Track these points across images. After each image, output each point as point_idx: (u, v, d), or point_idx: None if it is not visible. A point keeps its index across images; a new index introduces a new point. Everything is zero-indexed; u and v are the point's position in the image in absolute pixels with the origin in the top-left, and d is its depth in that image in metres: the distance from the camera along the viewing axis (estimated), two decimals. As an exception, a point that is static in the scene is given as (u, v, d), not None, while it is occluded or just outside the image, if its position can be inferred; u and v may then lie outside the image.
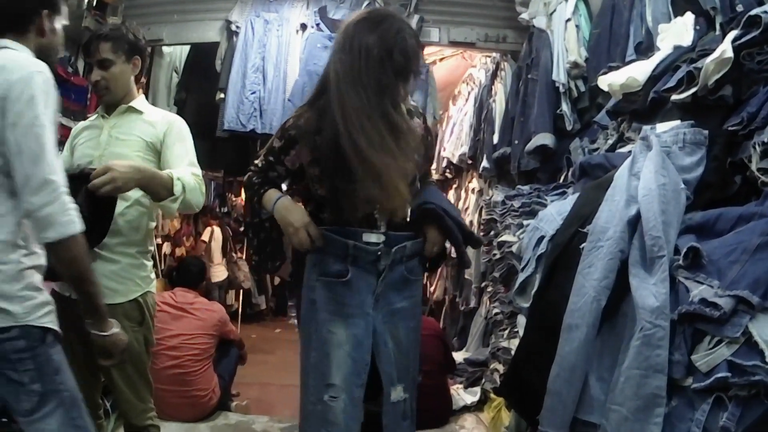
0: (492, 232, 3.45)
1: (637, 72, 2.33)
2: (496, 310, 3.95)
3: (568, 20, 3.82)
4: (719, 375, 1.36)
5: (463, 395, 4.43)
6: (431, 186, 2.29)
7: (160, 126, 2.39)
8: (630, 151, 2.01)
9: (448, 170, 6.47)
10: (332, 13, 4.75)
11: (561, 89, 3.76)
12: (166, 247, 7.02)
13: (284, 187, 2.17)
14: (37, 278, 1.72)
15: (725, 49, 1.82)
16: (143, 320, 2.32)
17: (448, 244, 2.21)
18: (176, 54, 5.53)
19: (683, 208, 1.72)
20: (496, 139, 4.77)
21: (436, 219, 2.07)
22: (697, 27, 2.45)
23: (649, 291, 1.54)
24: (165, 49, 5.34)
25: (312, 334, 1.95)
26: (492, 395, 3.95)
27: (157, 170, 2.22)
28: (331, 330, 1.92)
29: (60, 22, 1.92)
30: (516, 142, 4.25)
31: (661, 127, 1.97)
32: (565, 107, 3.77)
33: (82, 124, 2.52)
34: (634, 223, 1.70)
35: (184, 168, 2.29)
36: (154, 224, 2.48)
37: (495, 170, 4.90)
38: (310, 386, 1.95)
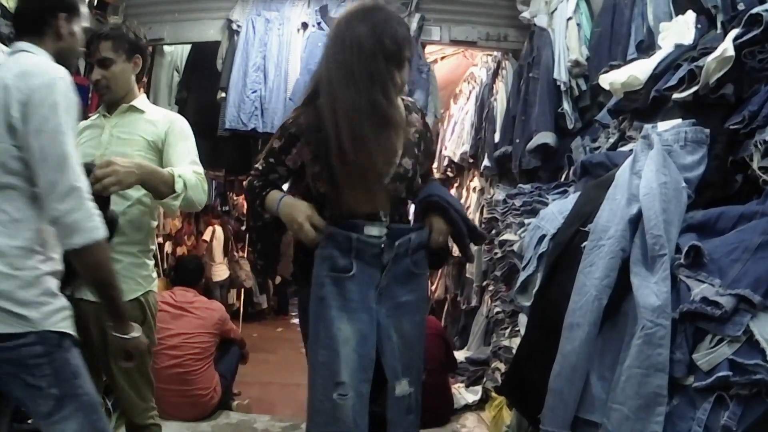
0: (493, 231, 3.45)
1: (639, 70, 2.33)
2: (497, 309, 3.95)
3: (570, 19, 3.82)
4: (720, 374, 1.35)
5: (464, 394, 4.44)
6: (434, 182, 2.29)
7: (161, 125, 2.39)
8: (631, 150, 2.00)
9: (449, 169, 6.47)
10: (333, 12, 4.74)
11: (562, 88, 3.77)
12: (168, 247, 7.03)
13: (285, 188, 2.16)
14: (53, 284, 1.73)
15: (726, 47, 1.81)
16: (145, 319, 2.32)
17: (451, 243, 2.21)
18: (177, 53, 5.53)
19: (684, 207, 1.72)
20: (497, 137, 4.77)
21: (440, 210, 2.06)
22: (699, 25, 2.45)
23: (650, 290, 1.54)
24: (166, 48, 5.34)
25: (321, 332, 1.92)
26: (493, 394, 3.95)
27: (158, 167, 2.22)
28: (339, 327, 1.91)
29: (79, 25, 1.93)
30: (517, 140, 4.25)
31: (663, 125, 1.97)
32: (566, 106, 3.77)
33: (83, 123, 2.52)
34: (636, 222, 1.70)
35: (186, 166, 2.29)
36: (155, 223, 2.48)
37: (496, 169, 4.90)
38: (317, 384, 1.93)
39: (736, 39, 1.82)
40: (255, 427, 4.09)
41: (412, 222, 2.17)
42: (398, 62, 1.91)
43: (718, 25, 2.43)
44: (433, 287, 6.49)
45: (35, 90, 1.66)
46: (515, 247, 3.04)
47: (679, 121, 1.97)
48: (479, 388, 4.42)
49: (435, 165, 6.07)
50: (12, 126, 1.65)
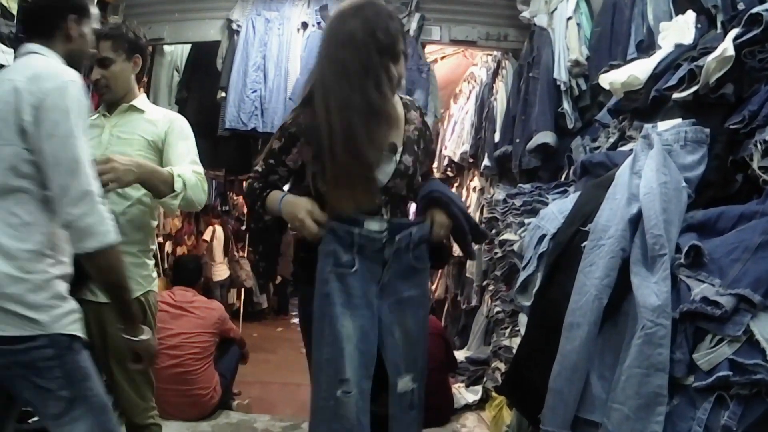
0: (493, 231, 3.45)
1: (639, 70, 2.33)
2: (497, 309, 3.95)
3: (570, 18, 3.83)
4: (721, 374, 1.35)
5: (464, 394, 4.44)
6: (435, 180, 2.29)
7: (161, 124, 2.39)
8: (631, 150, 2.00)
9: (449, 169, 6.47)
10: (333, 12, 4.75)
11: (562, 87, 3.77)
12: (168, 246, 7.03)
13: (285, 189, 2.16)
14: (63, 287, 1.73)
15: (726, 47, 1.81)
16: (145, 319, 2.32)
17: (452, 243, 2.21)
18: (177, 53, 5.54)
19: (684, 207, 1.72)
20: (497, 137, 4.78)
21: (442, 205, 2.05)
22: (699, 25, 2.45)
23: (650, 289, 1.54)
24: (166, 48, 5.35)
25: (325, 329, 1.90)
26: (493, 394, 3.95)
27: (157, 166, 2.22)
28: (343, 323, 1.89)
29: (89, 26, 1.93)
30: (517, 140, 4.26)
31: (663, 125, 1.97)
32: (566, 105, 3.77)
33: (83, 123, 2.52)
34: (636, 222, 1.70)
35: (186, 166, 2.29)
36: (155, 223, 2.49)
37: (496, 169, 4.91)
38: (322, 382, 1.91)
39: (736, 39, 1.82)
40: (255, 427, 4.09)
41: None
42: (392, 55, 1.91)
43: (718, 24, 2.43)
44: (434, 287, 6.50)
45: (47, 94, 1.66)
46: (515, 247, 3.04)
47: (679, 120, 1.97)
48: (479, 387, 4.42)
49: (435, 165, 6.07)
50: (24, 129, 1.65)
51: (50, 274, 1.70)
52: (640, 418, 1.47)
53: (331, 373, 1.89)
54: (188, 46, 5.46)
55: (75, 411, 1.70)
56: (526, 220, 3.07)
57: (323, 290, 1.91)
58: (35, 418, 2.57)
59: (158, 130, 2.37)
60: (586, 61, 3.67)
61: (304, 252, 2.05)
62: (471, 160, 5.72)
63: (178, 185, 2.19)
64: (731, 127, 1.80)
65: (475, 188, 5.67)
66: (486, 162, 5.02)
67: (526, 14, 4.38)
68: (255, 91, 4.69)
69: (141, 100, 2.46)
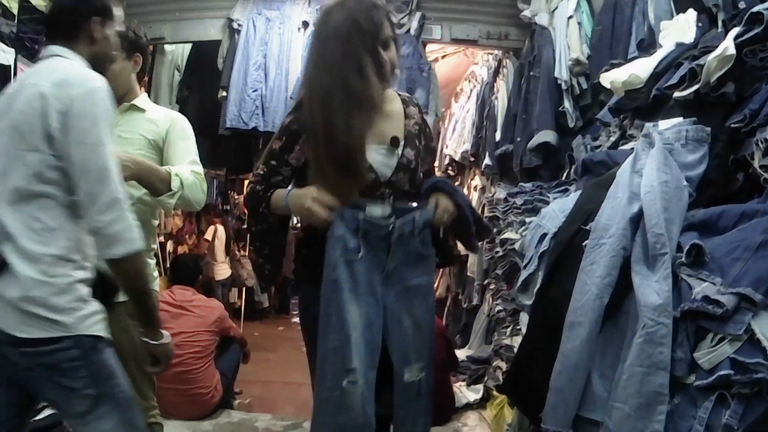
0: (495, 230, 3.45)
1: (640, 69, 2.33)
2: (498, 308, 3.96)
3: (570, 17, 3.83)
4: (722, 372, 1.35)
5: (465, 393, 4.44)
6: (438, 177, 2.28)
7: (162, 124, 2.39)
8: (632, 149, 2.00)
9: (450, 168, 6.47)
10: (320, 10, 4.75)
11: (563, 86, 3.77)
12: (169, 246, 7.04)
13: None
14: (85, 291, 1.74)
15: (727, 46, 1.81)
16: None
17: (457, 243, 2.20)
18: (178, 52, 5.54)
19: (686, 206, 1.71)
20: (498, 136, 4.78)
21: (447, 193, 2.01)
22: (700, 24, 2.44)
23: (651, 288, 1.54)
24: (167, 47, 5.35)
25: (332, 316, 1.85)
26: (495, 393, 3.96)
27: (155, 165, 2.23)
28: (350, 311, 1.85)
29: (113, 29, 1.93)
30: (518, 139, 4.26)
31: (664, 124, 1.97)
32: (567, 104, 3.77)
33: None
34: (637, 221, 1.70)
35: (185, 165, 2.29)
36: (156, 222, 2.49)
37: (497, 167, 4.91)
38: (327, 372, 1.86)
39: (737, 37, 1.82)
40: (256, 426, 4.09)
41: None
42: (379, 42, 1.89)
43: (719, 23, 2.44)
44: (435, 286, 6.48)
45: (75, 100, 1.66)
46: (516, 246, 3.05)
47: (680, 119, 1.97)
48: (480, 386, 4.42)
49: (436, 164, 6.07)
50: (51, 136, 1.66)
51: (73, 277, 1.71)
52: (642, 417, 1.47)
53: (337, 362, 1.84)
54: (189, 46, 5.46)
55: (101, 408, 1.72)
56: (527, 219, 3.07)
57: (331, 276, 1.86)
58: (45, 414, 2.60)
59: (159, 129, 2.37)
60: (587, 59, 3.67)
61: (306, 249, 2.05)
62: (472, 159, 5.72)
63: (175, 184, 2.19)
64: (732, 125, 1.80)
65: (476, 187, 5.67)
66: (487, 161, 5.02)
67: (527, 13, 4.38)
68: (256, 91, 4.70)
69: (142, 99, 2.46)
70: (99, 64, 1.87)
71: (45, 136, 1.66)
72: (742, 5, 2.28)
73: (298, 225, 2.28)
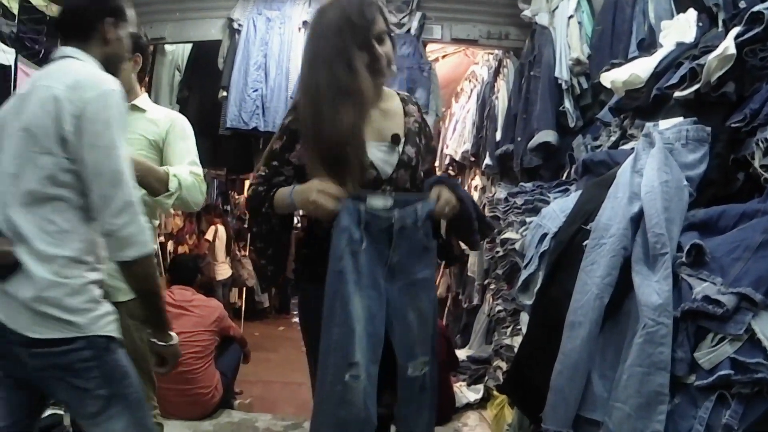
0: (495, 230, 3.45)
1: (640, 69, 2.33)
2: (499, 308, 3.96)
3: (571, 17, 3.83)
4: (722, 372, 1.35)
5: (466, 393, 4.44)
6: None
7: (162, 124, 2.40)
8: (633, 148, 2.00)
9: (450, 167, 6.47)
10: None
11: (563, 86, 3.77)
12: (170, 245, 7.04)
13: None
14: (97, 292, 1.75)
15: (728, 45, 1.81)
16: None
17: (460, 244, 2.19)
18: (178, 52, 5.54)
19: (686, 205, 1.71)
20: (498, 136, 4.78)
21: (450, 187, 1.99)
22: (700, 24, 2.44)
23: (652, 288, 1.54)
24: (167, 47, 5.35)
25: (337, 308, 1.81)
26: (495, 393, 3.96)
27: (153, 165, 2.23)
28: (354, 303, 1.81)
29: (126, 30, 1.93)
30: (519, 139, 4.26)
31: (664, 123, 1.97)
32: (567, 104, 3.77)
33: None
34: (637, 220, 1.70)
35: (184, 166, 2.29)
36: (157, 222, 2.49)
37: (498, 167, 4.91)
38: (329, 366, 1.82)
39: (737, 37, 1.81)
40: (257, 426, 4.09)
41: None
42: (373, 35, 1.88)
43: (720, 23, 2.44)
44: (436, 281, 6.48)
45: (88, 103, 1.66)
46: (517, 246, 3.05)
47: (680, 119, 1.97)
48: (481, 386, 4.42)
49: (437, 163, 6.07)
50: (64, 139, 1.66)
51: (87, 279, 1.72)
52: (642, 417, 1.47)
53: (340, 355, 1.81)
54: (189, 46, 5.46)
55: (112, 409, 1.73)
56: (528, 219, 3.07)
57: (337, 267, 1.82)
58: (45, 414, 2.60)
59: (159, 129, 2.37)
60: (587, 59, 3.67)
61: (307, 249, 2.04)
62: (472, 159, 5.73)
63: (172, 185, 2.20)
64: (732, 125, 1.80)
65: (476, 187, 5.67)
66: (487, 161, 5.02)
67: (527, 13, 4.38)
68: (256, 90, 4.70)
69: (142, 99, 2.46)
70: (111, 65, 1.87)
71: (59, 140, 1.66)
72: (742, 5, 2.28)
73: (299, 225, 2.27)
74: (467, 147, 5.69)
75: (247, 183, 9.79)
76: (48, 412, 2.62)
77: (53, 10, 3.67)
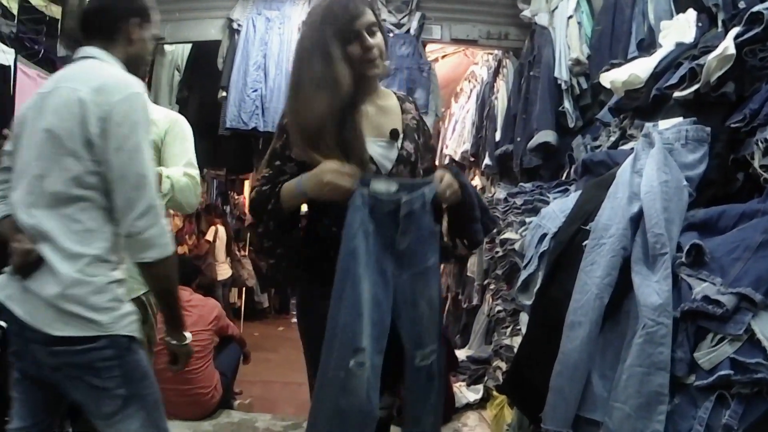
0: (494, 230, 3.45)
1: (640, 69, 2.33)
2: (498, 308, 3.95)
3: (570, 17, 3.83)
4: (722, 372, 1.35)
5: (465, 393, 4.43)
6: None
7: (162, 124, 2.39)
8: (632, 148, 2.00)
9: (450, 167, 6.46)
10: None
11: (563, 86, 3.77)
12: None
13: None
14: (120, 292, 1.77)
15: (727, 45, 1.81)
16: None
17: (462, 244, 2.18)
18: (178, 52, 5.53)
19: (686, 206, 1.72)
20: (498, 136, 4.78)
21: (453, 172, 1.95)
22: (700, 24, 2.45)
23: (651, 288, 1.54)
24: (167, 47, 5.34)
25: (347, 289, 1.75)
26: (494, 393, 3.95)
27: None
28: (363, 287, 1.76)
29: (149, 31, 1.93)
30: (518, 139, 4.26)
31: (664, 124, 1.97)
32: (567, 104, 3.77)
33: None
34: (637, 221, 1.70)
35: (179, 168, 2.29)
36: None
37: (497, 167, 4.91)
38: (334, 350, 1.75)
39: (737, 37, 1.82)
40: (256, 426, 4.08)
41: None
42: (362, 26, 1.87)
43: (719, 23, 2.44)
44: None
45: (114, 106, 1.67)
46: (516, 246, 3.05)
47: (680, 119, 1.97)
48: (480, 386, 4.41)
49: (436, 163, 6.06)
50: (90, 142, 1.66)
51: (110, 277, 1.73)
52: (642, 417, 1.47)
53: (347, 339, 1.74)
54: (189, 46, 5.45)
55: (129, 408, 1.73)
56: (527, 219, 3.08)
57: (351, 246, 1.77)
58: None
59: (158, 130, 2.37)
60: (587, 59, 3.67)
61: (307, 249, 2.03)
62: (472, 159, 5.72)
63: (165, 186, 2.20)
64: (732, 125, 1.80)
65: (476, 187, 5.66)
66: (487, 161, 5.02)
67: (526, 13, 4.38)
68: (256, 91, 4.69)
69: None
70: (134, 66, 1.88)
71: (85, 142, 1.67)
72: (742, 5, 2.28)
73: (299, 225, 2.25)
74: (467, 147, 5.69)
75: (247, 183, 9.84)
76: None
77: (53, 10, 3.68)
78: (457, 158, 6.00)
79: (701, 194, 1.82)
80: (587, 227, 1.87)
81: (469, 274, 5.35)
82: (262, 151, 4.59)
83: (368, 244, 1.78)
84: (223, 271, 7.98)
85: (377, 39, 1.90)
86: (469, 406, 4.31)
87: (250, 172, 6.99)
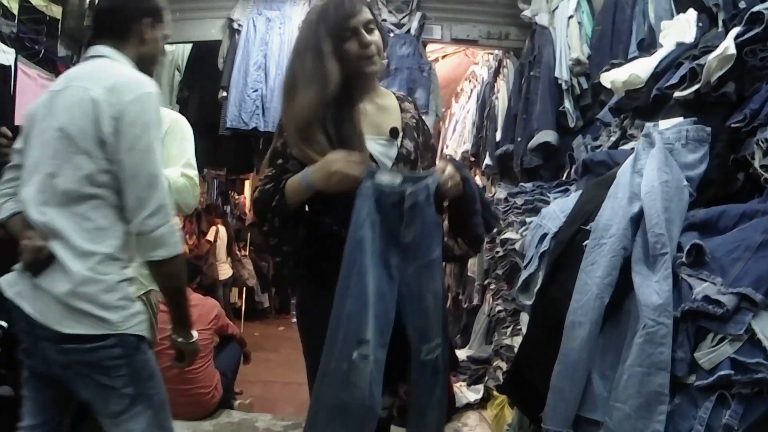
0: (495, 230, 3.45)
1: (640, 69, 2.33)
2: (499, 308, 3.95)
3: (571, 17, 3.83)
4: (722, 372, 1.35)
5: (466, 393, 4.43)
6: None
7: (162, 124, 2.39)
8: (633, 148, 2.00)
9: (450, 167, 6.45)
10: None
11: (563, 86, 3.77)
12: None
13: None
14: (131, 290, 1.78)
15: (728, 45, 1.81)
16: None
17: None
18: (178, 52, 5.53)
19: (686, 206, 1.72)
20: (498, 136, 4.78)
21: (455, 165, 1.93)
22: (700, 24, 2.45)
23: (652, 288, 1.54)
24: (167, 47, 5.31)
25: (352, 279, 1.72)
26: (495, 393, 3.95)
27: None
28: (369, 278, 1.73)
29: (162, 31, 1.95)
30: (519, 139, 4.26)
31: (664, 124, 1.97)
32: (567, 104, 3.77)
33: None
34: (637, 221, 1.70)
35: (177, 168, 2.29)
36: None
37: (498, 167, 4.91)
38: (338, 341, 1.71)
39: (737, 37, 1.82)
40: (257, 426, 4.08)
41: None
42: (360, 23, 1.87)
43: (720, 23, 2.44)
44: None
45: (127, 105, 1.68)
46: (517, 246, 3.05)
47: (680, 119, 1.97)
48: (481, 386, 4.41)
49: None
50: (103, 141, 1.67)
51: (121, 276, 1.74)
52: (642, 417, 1.47)
53: (351, 330, 1.71)
54: (189, 46, 5.45)
55: (136, 408, 1.74)
56: (528, 219, 3.08)
57: (358, 235, 1.74)
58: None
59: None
60: (587, 59, 3.67)
61: (307, 249, 2.03)
62: (472, 159, 5.72)
63: None
64: (732, 125, 1.80)
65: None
66: (487, 161, 5.02)
67: (527, 13, 4.38)
68: (256, 91, 4.69)
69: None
70: (145, 65, 1.89)
71: (98, 142, 1.67)
72: (742, 5, 2.29)
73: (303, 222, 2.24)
74: (467, 147, 5.69)
75: (247, 183, 9.85)
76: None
77: (53, 10, 3.67)
78: (457, 158, 6.00)
79: (702, 194, 1.82)
80: (588, 227, 1.87)
81: (469, 274, 5.35)
82: (263, 151, 4.59)
83: (374, 235, 1.77)
84: (224, 271, 7.98)
85: (374, 36, 1.90)
86: (469, 406, 4.31)
87: (251, 172, 6.99)
